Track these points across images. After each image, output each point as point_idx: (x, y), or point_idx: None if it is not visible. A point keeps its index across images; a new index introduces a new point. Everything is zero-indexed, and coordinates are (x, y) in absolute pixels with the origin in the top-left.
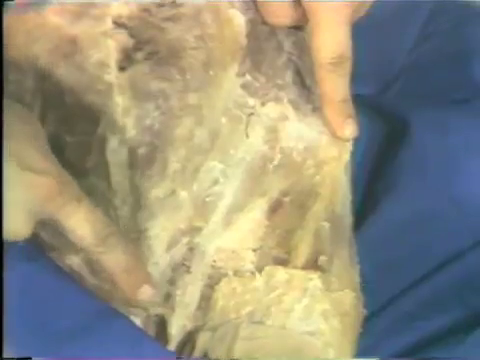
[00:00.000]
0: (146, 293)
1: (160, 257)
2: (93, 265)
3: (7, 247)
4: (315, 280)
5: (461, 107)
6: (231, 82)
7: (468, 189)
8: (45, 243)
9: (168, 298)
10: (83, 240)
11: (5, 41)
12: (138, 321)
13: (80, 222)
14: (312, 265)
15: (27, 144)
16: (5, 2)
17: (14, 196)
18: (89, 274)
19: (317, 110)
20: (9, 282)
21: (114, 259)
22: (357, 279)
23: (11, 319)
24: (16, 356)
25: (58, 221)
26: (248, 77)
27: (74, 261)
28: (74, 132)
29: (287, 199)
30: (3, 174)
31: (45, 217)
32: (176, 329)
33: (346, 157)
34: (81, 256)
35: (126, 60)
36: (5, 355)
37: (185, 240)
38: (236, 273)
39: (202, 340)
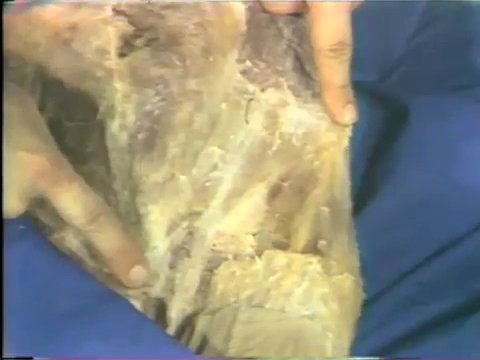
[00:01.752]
0: (138, 274)
1: (160, 241)
2: (91, 248)
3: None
4: (314, 264)
5: (461, 93)
6: (231, 68)
7: (467, 175)
8: (45, 226)
9: (168, 282)
10: (74, 219)
11: (5, 28)
12: (138, 304)
13: (71, 201)
14: (311, 249)
15: (21, 124)
16: (5, 2)
17: (6, 174)
18: (88, 257)
19: (317, 96)
20: (9, 265)
21: (106, 239)
22: (357, 263)
23: (12, 302)
24: (16, 355)
25: (49, 199)
26: (248, 63)
27: (74, 244)
28: (74, 118)
29: (286, 184)
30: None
31: (37, 195)
32: (176, 313)
33: (345, 142)
34: (80, 239)
35: (126, 47)
36: (5, 355)
37: (185, 224)
38: (236, 257)
39: (201, 324)
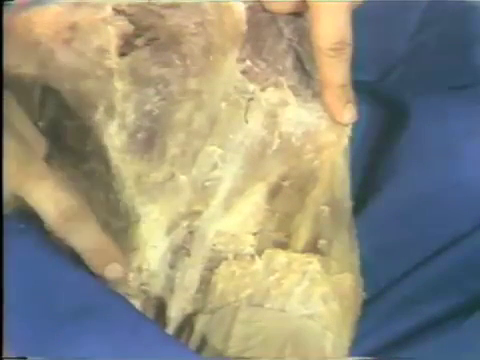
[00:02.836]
0: (114, 271)
1: (160, 240)
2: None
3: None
4: (314, 263)
5: (461, 93)
6: (231, 67)
7: (467, 174)
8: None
9: (168, 281)
10: (47, 218)
11: (5, 28)
12: (137, 303)
13: (42, 200)
14: (312, 248)
15: None
16: (5, 2)
17: None
18: None
19: (317, 95)
20: (9, 264)
21: (80, 239)
22: (357, 262)
23: (11, 302)
24: (16, 355)
25: (23, 197)
26: (248, 63)
27: None
28: (73, 117)
29: (286, 183)
30: None
31: (12, 195)
32: (175, 312)
33: (345, 142)
34: None
35: (126, 46)
36: (5, 355)
37: (185, 224)
38: (236, 256)
39: (201, 323)
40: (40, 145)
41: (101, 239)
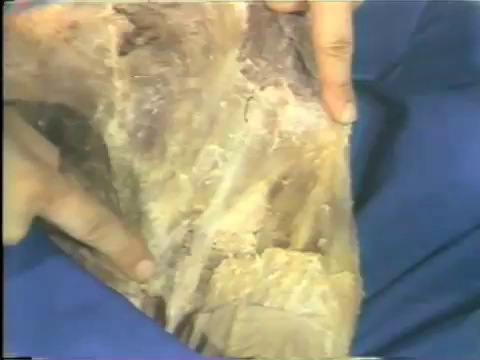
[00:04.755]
0: (145, 269)
1: (160, 239)
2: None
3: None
4: (314, 262)
5: (460, 92)
6: (231, 66)
7: (467, 173)
8: (48, 225)
9: (167, 280)
10: (75, 232)
11: (5, 28)
12: (137, 302)
13: (69, 215)
14: (312, 247)
15: (4, 148)
16: (5, 2)
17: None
18: (89, 254)
19: (317, 94)
20: (9, 263)
21: (109, 244)
22: (357, 261)
23: (11, 301)
24: (16, 355)
25: (48, 217)
26: (248, 61)
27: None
28: (73, 116)
29: (287, 182)
30: None
31: (35, 216)
32: (175, 311)
33: (345, 141)
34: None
35: (126, 45)
36: (5, 355)
37: (185, 222)
38: (236, 255)
39: (200, 322)
40: (53, 156)
41: (128, 238)
